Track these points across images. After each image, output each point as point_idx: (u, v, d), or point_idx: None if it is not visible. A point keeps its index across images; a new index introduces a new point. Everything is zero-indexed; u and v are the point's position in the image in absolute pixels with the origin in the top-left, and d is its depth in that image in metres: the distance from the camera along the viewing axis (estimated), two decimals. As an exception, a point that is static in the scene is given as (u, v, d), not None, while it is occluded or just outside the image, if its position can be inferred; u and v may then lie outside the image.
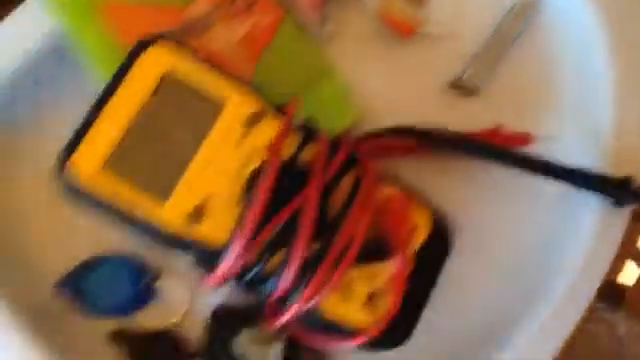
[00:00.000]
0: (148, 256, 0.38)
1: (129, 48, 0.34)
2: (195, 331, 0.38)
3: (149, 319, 0.37)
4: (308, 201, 0.31)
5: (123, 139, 0.31)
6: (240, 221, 0.31)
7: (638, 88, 0.41)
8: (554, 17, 0.45)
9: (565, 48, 0.44)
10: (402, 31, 0.42)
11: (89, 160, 0.30)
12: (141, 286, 0.37)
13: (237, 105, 0.33)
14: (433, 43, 0.44)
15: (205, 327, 0.38)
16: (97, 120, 0.31)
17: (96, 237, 0.38)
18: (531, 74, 0.44)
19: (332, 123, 0.39)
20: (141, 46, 0.32)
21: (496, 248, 0.41)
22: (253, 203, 0.30)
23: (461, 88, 0.43)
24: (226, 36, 0.38)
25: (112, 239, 0.38)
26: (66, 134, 0.31)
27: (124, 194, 0.30)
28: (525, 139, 0.41)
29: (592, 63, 0.43)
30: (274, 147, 0.31)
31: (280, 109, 0.34)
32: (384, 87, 0.42)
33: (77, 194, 0.30)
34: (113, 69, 0.34)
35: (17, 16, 0.37)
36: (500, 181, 0.41)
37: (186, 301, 0.38)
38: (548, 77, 0.44)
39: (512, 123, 0.41)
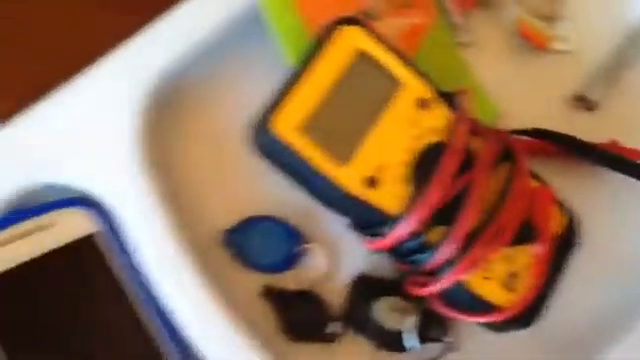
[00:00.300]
0: (302, 222, 0.41)
1: (313, 30, 0.38)
2: (338, 296, 0.41)
3: (297, 279, 0.39)
4: (477, 181, 0.34)
5: (318, 105, 0.34)
6: (417, 194, 0.33)
7: None
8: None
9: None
10: (536, 42, 0.46)
11: (288, 121, 0.33)
12: (294, 249, 0.39)
13: (412, 88, 0.36)
14: (559, 58, 0.47)
15: (347, 293, 0.40)
16: (299, 85, 0.33)
17: (262, 197, 0.41)
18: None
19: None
20: (339, 23, 0.35)
21: (613, 250, 0.44)
22: (435, 180, 0.33)
23: (582, 102, 0.46)
24: (388, 31, 0.41)
25: (275, 201, 0.41)
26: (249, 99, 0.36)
27: (313, 154, 0.33)
28: (635, 154, 0.44)
29: None
30: (459, 132, 0.34)
31: (443, 94, 0.37)
32: (511, 95, 0.46)
33: (271, 150, 0.33)
34: (298, 49, 0.38)
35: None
36: (622, 190, 0.44)
37: (330, 266, 0.40)
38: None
39: (626, 139, 0.44)
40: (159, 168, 0.39)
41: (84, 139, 0.38)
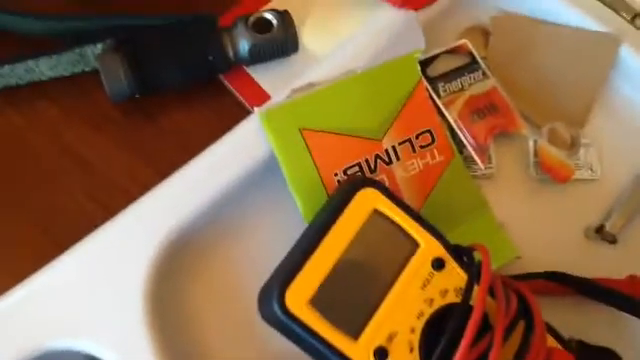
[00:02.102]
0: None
1: (324, 173, 0.40)
2: None
3: None
4: (494, 348, 0.34)
5: (329, 276, 0.34)
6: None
7: None
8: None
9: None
10: (558, 178, 0.46)
11: (300, 295, 0.33)
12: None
13: (428, 248, 0.36)
14: (580, 188, 0.48)
15: None
16: (313, 256, 0.34)
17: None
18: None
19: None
20: (353, 186, 0.37)
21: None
22: (460, 347, 0.33)
23: (602, 234, 0.46)
24: (403, 172, 0.43)
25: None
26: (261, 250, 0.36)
27: (324, 330, 0.33)
28: (658, 291, 0.44)
29: None
30: (480, 297, 0.34)
31: (457, 250, 0.38)
32: (529, 227, 0.46)
33: (281, 323, 0.33)
34: (308, 190, 0.40)
35: (237, 133, 0.42)
36: (634, 332, 0.44)
37: None
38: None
39: (646, 273, 0.44)
40: (168, 330, 0.39)
41: (93, 301, 0.37)
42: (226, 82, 0.47)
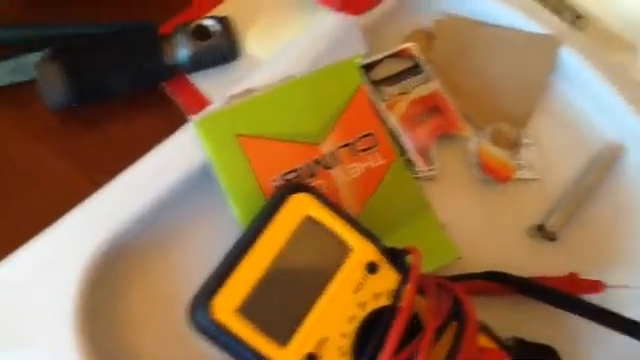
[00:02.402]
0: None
1: (262, 179, 0.40)
2: None
3: None
4: (421, 350, 0.35)
5: (258, 283, 0.34)
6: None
7: None
8: (631, 170, 0.50)
9: (638, 201, 0.49)
10: (499, 178, 0.47)
11: (227, 303, 0.33)
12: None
13: (361, 252, 0.37)
14: (521, 188, 0.48)
15: None
16: (241, 263, 0.34)
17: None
18: (607, 225, 0.48)
19: (430, 259, 0.43)
20: (285, 192, 0.37)
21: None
22: (384, 349, 0.33)
23: (542, 232, 0.47)
24: (344, 175, 0.43)
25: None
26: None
27: (252, 338, 0.33)
28: (597, 287, 0.45)
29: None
30: (404, 302, 0.35)
31: (393, 252, 0.38)
32: (471, 227, 0.47)
33: (209, 332, 0.33)
34: (246, 197, 0.40)
35: (173, 141, 0.42)
36: (572, 329, 0.45)
37: None
38: (621, 228, 0.48)
39: (585, 270, 0.45)
40: (101, 339, 0.39)
41: (25, 311, 0.37)
42: (168, 90, 0.47)
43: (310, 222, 0.37)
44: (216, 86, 0.47)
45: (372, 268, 0.37)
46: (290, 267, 0.36)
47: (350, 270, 0.36)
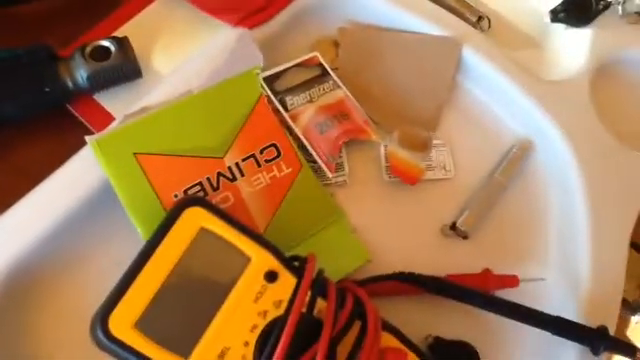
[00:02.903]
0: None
1: (163, 196, 0.40)
2: None
3: None
4: (319, 352, 0.35)
5: (156, 298, 0.34)
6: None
7: (612, 242, 0.46)
8: (540, 166, 0.51)
9: (550, 198, 0.50)
10: (407, 180, 0.47)
11: (125, 318, 0.33)
12: None
13: (260, 261, 0.37)
14: (433, 188, 0.49)
15: None
16: (137, 279, 0.34)
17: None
18: (519, 220, 0.49)
19: (343, 264, 0.44)
20: (179, 207, 0.37)
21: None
22: (275, 354, 0.33)
23: (455, 231, 0.47)
24: (249, 187, 0.43)
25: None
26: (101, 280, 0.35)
27: (150, 351, 0.33)
28: (512, 281, 0.46)
29: (573, 212, 0.48)
30: (294, 304, 0.35)
31: (295, 260, 0.38)
32: (386, 229, 0.47)
33: (110, 348, 0.33)
34: (148, 215, 0.40)
35: (74, 162, 0.42)
36: (488, 324, 0.45)
37: None
38: (533, 224, 0.49)
39: (501, 266, 0.46)
40: None
41: None
42: (74, 112, 0.47)
43: (205, 234, 0.37)
44: (122, 104, 0.47)
45: (271, 277, 0.37)
46: (188, 279, 0.36)
47: (249, 280, 0.36)
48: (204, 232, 0.37)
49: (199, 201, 0.37)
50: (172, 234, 0.36)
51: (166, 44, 0.50)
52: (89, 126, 0.47)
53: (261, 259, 0.37)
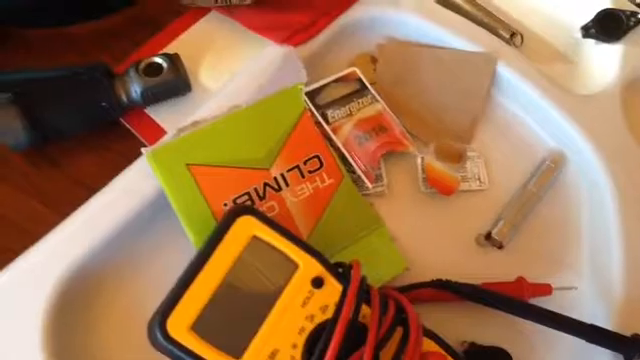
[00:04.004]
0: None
1: (214, 204, 0.43)
2: None
3: None
4: (365, 356, 0.37)
5: (210, 302, 0.37)
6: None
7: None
8: (572, 177, 0.52)
9: (582, 209, 0.51)
10: (444, 191, 0.49)
11: (181, 321, 0.36)
12: None
13: (307, 268, 0.39)
14: (468, 199, 0.51)
15: None
16: (192, 284, 0.37)
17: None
18: (552, 231, 0.51)
19: (382, 271, 0.46)
20: (232, 215, 0.39)
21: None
22: (324, 358, 0.35)
23: (490, 241, 0.49)
24: (293, 197, 0.45)
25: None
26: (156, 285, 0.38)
27: (207, 353, 0.35)
28: (545, 289, 0.47)
29: (606, 224, 0.49)
30: (343, 309, 0.37)
31: (340, 266, 0.40)
32: (423, 238, 0.49)
33: (167, 350, 0.36)
34: (199, 222, 0.42)
35: (130, 173, 0.44)
36: (523, 331, 0.46)
37: None
38: (565, 233, 0.51)
39: (534, 274, 0.47)
40: None
41: None
42: (127, 125, 0.49)
43: (257, 242, 0.39)
44: (172, 118, 0.49)
45: (318, 283, 0.39)
46: (240, 285, 0.38)
47: (297, 285, 0.38)
48: (255, 240, 0.39)
49: (250, 210, 0.40)
50: (225, 241, 0.38)
51: (214, 60, 0.52)
52: (141, 138, 0.49)
53: (308, 266, 0.39)
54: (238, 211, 0.40)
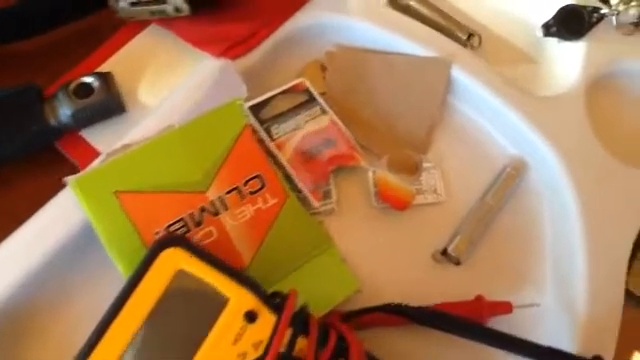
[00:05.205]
0: None
1: (145, 234, 0.40)
2: None
3: None
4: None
5: (132, 343, 0.34)
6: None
7: (609, 265, 0.45)
8: (534, 187, 0.49)
9: (544, 219, 0.49)
10: (397, 206, 0.47)
11: None
12: None
13: (238, 302, 0.36)
14: (424, 213, 0.48)
15: None
16: (112, 325, 0.34)
17: None
18: (513, 244, 0.48)
19: (332, 294, 0.43)
20: (155, 248, 0.37)
21: None
22: None
23: (446, 258, 0.46)
24: (233, 220, 0.43)
25: None
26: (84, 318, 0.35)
27: None
28: (505, 308, 0.44)
29: (569, 234, 0.46)
30: (272, 343, 0.35)
31: (277, 296, 0.38)
32: (376, 257, 0.46)
33: None
34: (130, 254, 0.39)
35: (55, 203, 0.42)
36: (479, 354, 0.44)
37: None
38: (529, 247, 0.48)
39: (495, 291, 0.45)
40: None
41: None
42: (62, 149, 0.47)
43: (183, 276, 0.37)
44: (109, 139, 0.47)
45: (251, 317, 0.36)
46: (165, 323, 0.36)
47: (228, 321, 0.36)
48: (181, 274, 0.37)
49: (176, 241, 0.37)
50: (149, 277, 0.36)
51: (152, 76, 0.50)
52: (76, 163, 0.47)
53: (240, 299, 0.36)
54: (162, 243, 0.37)
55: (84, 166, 0.46)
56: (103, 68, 0.49)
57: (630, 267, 0.46)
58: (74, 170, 0.46)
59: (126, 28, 0.52)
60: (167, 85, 0.49)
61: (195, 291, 0.37)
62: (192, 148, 0.43)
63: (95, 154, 0.47)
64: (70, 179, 0.41)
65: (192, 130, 0.44)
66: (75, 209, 0.41)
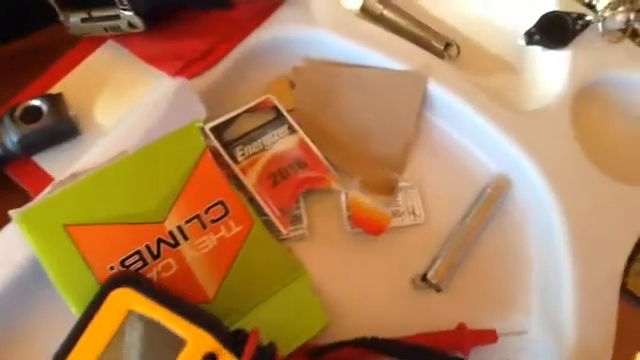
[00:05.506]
0: None
1: (97, 269, 0.37)
2: None
3: None
4: None
5: None
6: None
7: (600, 288, 0.42)
8: (517, 206, 0.46)
9: (529, 240, 0.46)
10: (371, 230, 0.44)
11: None
12: None
13: (196, 344, 0.33)
14: (403, 235, 0.45)
15: None
16: None
17: None
18: (497, 267, 0.45)
19: (302, 328, 0.41)
20: (104, 289, 0.34)
21: None
22: None
23: (426, 284, 0.44)
24: (194, 251, 0.40)
25: None
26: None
27: None
28: (490, 337, 0.42)
29: (556, 255, 0.44)
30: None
31: (239, 335, 0.35)
32: (351, 284, 0.43)
33: None
34: (82, 291, 0.36)
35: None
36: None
37: None
38: (513, 270, 0.45)
39: (479, 318, 0.42)
40: None
41: None
42: (13, 176, 0.44)
43: (135, 317, 0.34)
44: (62, 165, 0.43)
45: (211, 359, 0.33)
46: None
47: None
48: (132, 315, 0.34)
49: (126, 281, 0.34)
50: (98, 319, 0.34)
51: (110, 96, 0.47)
52: (29, 191, 0.44)
53: (198, 341, 0.34)
54: (111, 283, 0.34)
55: (37, 193, 0.42)
56: (57, 88, 0.46)
57: (630, 267, 0.43)
58: (26, 198, 0.43)
59: (81, 45, 0.48)
60: (126, 105, 0.46)
61: (150, 333, 0.34)
62: (147, 175, 0.40)
63: (48, 180, 0.44)
64: (14, 213, 0.38)
65: (147, 156, 0.41)
66: (21, 245, 0.38)
